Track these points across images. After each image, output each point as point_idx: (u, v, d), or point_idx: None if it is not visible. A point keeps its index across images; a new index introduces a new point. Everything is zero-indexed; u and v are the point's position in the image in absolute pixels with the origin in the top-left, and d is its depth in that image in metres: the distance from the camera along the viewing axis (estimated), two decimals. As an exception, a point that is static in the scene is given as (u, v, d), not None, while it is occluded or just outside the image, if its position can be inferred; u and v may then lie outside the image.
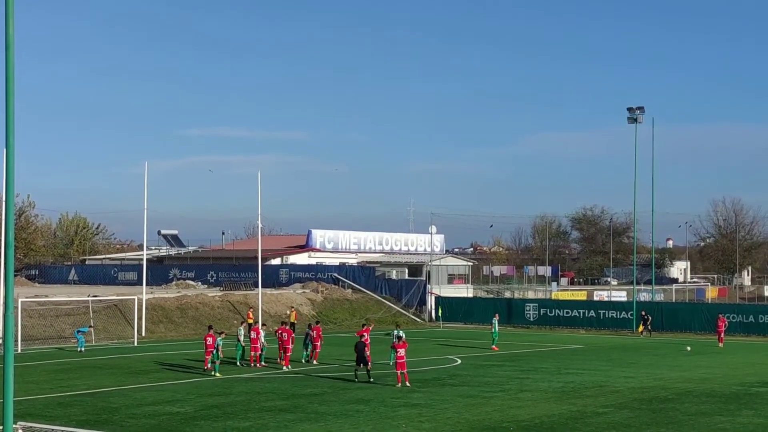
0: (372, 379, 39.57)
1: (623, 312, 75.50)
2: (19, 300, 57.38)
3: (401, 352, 38.61)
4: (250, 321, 57.95)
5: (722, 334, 62.34)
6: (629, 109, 77.08)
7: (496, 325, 58.76)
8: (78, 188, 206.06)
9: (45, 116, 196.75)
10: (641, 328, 71.40)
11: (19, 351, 50.59)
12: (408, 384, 37.95)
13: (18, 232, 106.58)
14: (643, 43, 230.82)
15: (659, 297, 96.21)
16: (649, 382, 40.89)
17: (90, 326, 58.44)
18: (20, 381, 31.14)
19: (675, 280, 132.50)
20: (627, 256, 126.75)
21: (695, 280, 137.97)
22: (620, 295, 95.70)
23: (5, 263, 18.00)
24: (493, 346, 56.72)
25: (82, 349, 53.33)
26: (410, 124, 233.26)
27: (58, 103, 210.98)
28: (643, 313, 72.15)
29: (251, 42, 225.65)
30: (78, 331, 54.97)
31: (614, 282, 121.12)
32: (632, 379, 41.64)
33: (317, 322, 52.71)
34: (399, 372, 38.42)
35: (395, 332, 48.65)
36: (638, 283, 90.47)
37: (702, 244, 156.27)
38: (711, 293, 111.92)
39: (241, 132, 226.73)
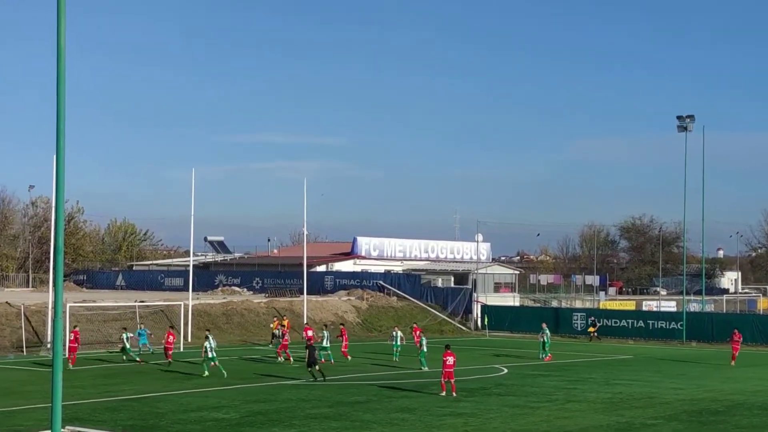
0: (325, 377, 42.27)
1: (673, 322, 74.67)
2: (68, 305, 57.70)
3: (450, 360, 38.31)
4: (275, 330, 59.66)
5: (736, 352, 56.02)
6: (679, 118, 76.37)
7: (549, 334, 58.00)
8: (126, 194, 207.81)
9: (94, 122, 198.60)
10: (592, 329, 74.38)
11: (67, 355, 50.87)
12: (454, 394, 37.71)
13: (67, 238, 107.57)
14: (694, 50, 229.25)
15: (709, 308, 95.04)
16: (700, 393, 40.39)
17: (141, 326, 58.28)
18: (68, 385, 31.24)
19: (725, 291, 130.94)
20: (676, 266, 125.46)
21: (746, 290, 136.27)
22: (670, 306, 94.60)
23: (55, 268, 18.07)
24: (548, 356, 55.95)
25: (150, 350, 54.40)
26: (456, 130, 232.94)
27: (107, 109, 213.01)
28: (592, 318, 75.92)
29: (296, 48, 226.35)
30: (140, 334, 55.29)
31: (663, 292, 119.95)
32: (682, 391, 41.14)
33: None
34: (445, 381, 38.13)
35: (394, 333, 54.54)
36: (688, 294, 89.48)
37: (753, 254, 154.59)
38: (762, 304, 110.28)
39: (287, 138, 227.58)
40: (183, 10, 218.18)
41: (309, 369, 42.80)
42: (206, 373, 44.18)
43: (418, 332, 57.20)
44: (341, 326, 56.45)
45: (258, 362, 51.84)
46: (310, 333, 56.25)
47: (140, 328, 56.51)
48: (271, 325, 63.32)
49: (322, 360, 49.32)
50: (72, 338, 48.72)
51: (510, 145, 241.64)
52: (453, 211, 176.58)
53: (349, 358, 53.09)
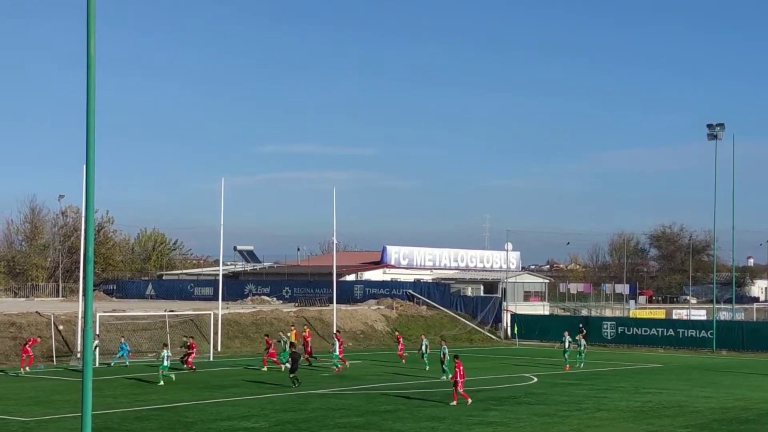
0: (299, 383, 43.47)
1: (703, 331, 74.25)
2: (97, 314, 58.01)
3: (461, 370, 38.40)
4: (293, 340, 60.37)
5: None
6: (709, 126, 75.98)
7: (570, 342, 58.05)
8: (155, 204, 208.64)
9: (123, 132, 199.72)
10: (579, 337, 72.68)
11: (97, 365, 51.11)
12: (455, 402, 37.60)
13: (97, 248, 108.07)
14: (725, 57, 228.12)
15: (740, 316, 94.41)
16: (730, 402, 40.13)
17: (123, 340, 57.07)
18: (98, 395, 31.41)
19: (756, 299, 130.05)
20: (706, 275, 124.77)
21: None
22: (700, 314, 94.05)
23: (84, 278, 18.18)
24: (566, 366, 55.91)
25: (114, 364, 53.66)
26: (485, 139, 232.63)
27: (137, 119, 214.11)
28: (581, 325, 73.68)
29: (325, 58, 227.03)
30: (121, 347, 54.77)
31: (693, 300, 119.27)
32: (712, 399, 40.90)
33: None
34: (462, 390, 38.01)
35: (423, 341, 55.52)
36: (718, 302, 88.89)
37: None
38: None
39: (316, 148, 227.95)
40: (214, 27, 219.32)
41: (291, 376, 44.00)
42: (161, 382, 44.69)
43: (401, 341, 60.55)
44: (336, 333, 57.38)
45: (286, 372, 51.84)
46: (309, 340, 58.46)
47: (122, 341, 56.19)
48: (288, 334, 63.67)
49: (335, 369, 51.66)
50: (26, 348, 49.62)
51: (540, 155, 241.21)
52: (483, 220, 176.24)
53: (347, 365, 53.39)
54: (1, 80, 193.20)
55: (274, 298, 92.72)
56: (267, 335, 58.20)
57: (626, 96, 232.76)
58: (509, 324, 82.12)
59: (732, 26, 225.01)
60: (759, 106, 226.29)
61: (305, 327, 65.62)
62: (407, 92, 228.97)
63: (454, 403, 37.40)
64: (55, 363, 54.53)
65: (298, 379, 43.96)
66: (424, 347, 54.54)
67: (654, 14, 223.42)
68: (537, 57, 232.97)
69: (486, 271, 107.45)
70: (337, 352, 52.90)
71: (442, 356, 48.57)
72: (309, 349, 56.67)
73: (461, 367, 38.16)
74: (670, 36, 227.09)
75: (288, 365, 45.92)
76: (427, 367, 52.77)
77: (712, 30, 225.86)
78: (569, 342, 57.60)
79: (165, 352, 46.25)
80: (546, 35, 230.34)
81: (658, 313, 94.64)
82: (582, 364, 56.52)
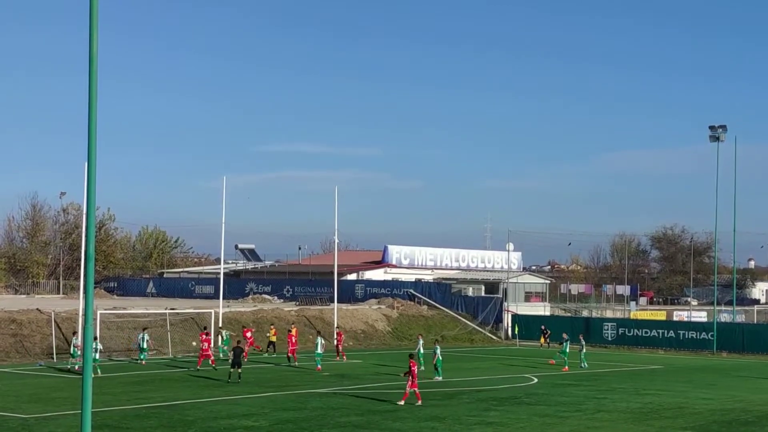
0: (240, 380, 43.90)
1: (703, 333, 74.23)
2: (98, 312, 58.00)
3: (416, 369, 38.45)
4: (273, 339, 62.63)
5: None
6: (711, 128, 75.94)
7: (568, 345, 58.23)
8: (157, 202, 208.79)
9: (126, 131, 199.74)
10: (543, 340, 75.20)
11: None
12: (420, 402, 37.53)
13: (98, 245, 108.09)
14: (727, 59, 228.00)
15: (740, 318, 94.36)
16: (730, 404, 40.11)
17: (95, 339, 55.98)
18: (97, 392, 31.36)
19: (757, 301, 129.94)
20: (708, 276, 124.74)
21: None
22: (700, 316, 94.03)
23: (85, 275, 18.19)
24: (564, 367, 55.97)
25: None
26: (487, 140, 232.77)
27: (139, 118, 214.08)
28: (543, 327, 76.76)
29: (328, 59, 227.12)
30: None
31: (694, 302, 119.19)
32: (712, 401, 40.88)
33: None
34: (411, 390, 37.84)
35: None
36: (719, 304, 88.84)
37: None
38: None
39: (319, 148, 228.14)
40: (216, 28, 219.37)
41: (231, 369, 44.69)
42: (98, 372, 46.18)
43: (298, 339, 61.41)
44: (288, 332, 58.42)
45: (288, 370, 51.89)
46: (248, 335, 59.02)
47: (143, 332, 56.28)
48: (268, 334, 64.04)
49: (319, 368, 51.60)
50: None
51: (541, 156, 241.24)
52: (484, 221, 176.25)
53: (295, 363, 54.32)
54: (5, 78, 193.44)
55: (275, 297, 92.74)
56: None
57: (628, 98, 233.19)
58: (510, 324, 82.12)
59: (734, 28, 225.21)
60: (761, 108, 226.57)
61: (293, 325, 65.44)
62: (410, 93, 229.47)
63: (402, 402, 37.27)
64: (55, 360, 54.48)
65: (239, 375, 44.28)
66: (419, 347, 54.23)
67: (656, 16, 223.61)
68: (539, 58, 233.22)
69: (487, 271, 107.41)
70: (319, 350, 53.07)
71: (433, 356, 48.75)
72: (292, 348, 56.04)
73: (414, 368, 38.22)
74: (672, 38, 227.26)
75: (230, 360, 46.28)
76: (421, 368, 52.32)
77: (714, 32, 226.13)
78: (567, 343, 57.76)
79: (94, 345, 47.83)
80: (548, 37, 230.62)
81: (659, 314, 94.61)
82: (585, 364, 56.62)
